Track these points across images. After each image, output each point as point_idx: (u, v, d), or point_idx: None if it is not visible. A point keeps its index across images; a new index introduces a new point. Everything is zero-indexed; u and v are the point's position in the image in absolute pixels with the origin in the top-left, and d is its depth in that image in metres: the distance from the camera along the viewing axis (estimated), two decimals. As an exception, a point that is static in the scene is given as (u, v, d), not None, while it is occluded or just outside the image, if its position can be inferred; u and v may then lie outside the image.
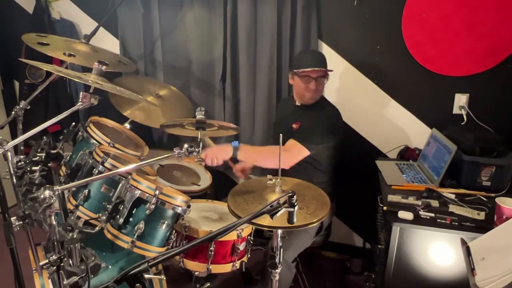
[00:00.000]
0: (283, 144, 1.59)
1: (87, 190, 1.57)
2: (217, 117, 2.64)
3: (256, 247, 2.28)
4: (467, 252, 1.17)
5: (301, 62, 2.04)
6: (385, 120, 2.40)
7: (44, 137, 1.81)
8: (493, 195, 1.75)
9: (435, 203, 1.69)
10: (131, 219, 1.48)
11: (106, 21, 2.40)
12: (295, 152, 1.90)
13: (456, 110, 2.24)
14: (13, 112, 1.89)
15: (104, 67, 1.48)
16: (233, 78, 2.57)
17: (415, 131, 2.35)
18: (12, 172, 1.56)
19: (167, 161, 2.29)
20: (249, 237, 1.72)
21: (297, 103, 2.14)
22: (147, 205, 1.47)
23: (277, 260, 1.44)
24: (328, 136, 1.99)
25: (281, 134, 1.45)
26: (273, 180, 1.52)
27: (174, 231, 1.60)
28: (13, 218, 1.35)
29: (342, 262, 2.66)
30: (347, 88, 2.42)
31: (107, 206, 1.53)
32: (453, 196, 1.76)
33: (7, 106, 3.17)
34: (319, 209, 1.39)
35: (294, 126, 2.09)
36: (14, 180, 1.59)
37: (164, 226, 1.51)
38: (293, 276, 1.87)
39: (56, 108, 2.94)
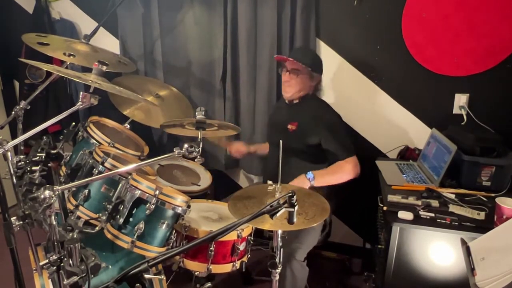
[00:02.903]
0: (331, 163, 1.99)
1: (87, 190, 1.57)
2: (217, 117, 2.64)
3: (256, 247, 2.28)
4: (467, 252, 1.17)
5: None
6: (385, 120, 2.40)
7: (44, 137, 1.81)
8: (493, 195, 1.75)
9: (435, 203, 1.68)
10: (131, 219, 1.48)
11: (106, 21, 2.40)
12: (353, 164, 1.97)
13: (456, 110, 2.24)
14: (13, 112, 1.89)
15: (104, 67, 1.48)
16: (233, 78, 2.57)
17: (415, 131, 2.35)
18: (12, 172, 1.56)
19: (167, 161, 2.29)
20: (249, 237, 1.72)
21: (287, 101, 2.15)
22: (147, 205, 1.47)
23: (277, 260, 1.44)
24: (346, 128, 2.09)
25: (281, 141, 1.46)
26: (273, 186, 1.53)
27: (174, 231, 1.60)
28: (13, 218, 1.35)
29: (342, 262, 2.66)
30: (347, 88, 2.42)
31: (107, 206, 1.53)
32: (453, 196, 1.76)
33: (7, 106, 3.17)
34: (318, 215, 1.41)
35: (289, 127, 2.09)
36: (14, 180, 1.59)
37: (164, 226, 1.51)
38: (307, 274, 1.86)
39: (56, 108, 2.94)
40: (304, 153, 2.07)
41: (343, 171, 1.96)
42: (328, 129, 2.00)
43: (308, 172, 1.93)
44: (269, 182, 1.59)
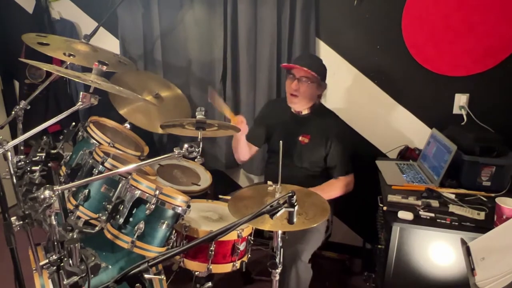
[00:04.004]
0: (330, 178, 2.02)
1: (87, 190, 1.56)
2: (217, 117, 2.64)
3: (256, 247, 2.28)
4: (467, 252, 1.17)
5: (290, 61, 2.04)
6: (385, 120, 2.40)
7: (44, 137, 1.81)
8: (493, 195, 1.75)
9: (435, 203, 1.68)
10: (131, 219, 1.48)
11: (106, 21, 2.40)
12: (345, 183, 2.04)
13: (456, 110, 2.24)
14: (13, 112, 1.89)
15: (104, 67, 1.48)
16: (233, 78, 2.57)
17: (415, 131, 2.35)
18: (12, 172, 1.56)
19: (167, 161, 2.28)
20: (249, 237, 1.72)
21: (293, 111, 2.10)
22: (147, 205, 1.47)
23: (277, 260, 1.44)
24: (352, 150, 2.08)
25: (281, 141, 1.46)
26: (273, 186, 1.53)
27: (174, 231, 1.60)
28: (13, 218, 1.35)
29: (342, 262, 2.66)
30: (347, 88, 2.42)
31: (107, 206, 1.53)
32: (453, 196, 1.76)
33: (7, 106, 3.16)
34: (318, 215, 1.41)
35: (301, 139, 2.06)
36: (14, 180, 1.59)
37: (164, 226, 1.51)
38: (311, 276, 1.86)
39: (56, 108, 2.94)
40: (312, 167, 2.07)
41: (334, 189, 2.02)
42: (337, 142, 2.01)
43: None
44: (269, 182, 1.60)
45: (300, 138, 2.07)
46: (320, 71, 2.00)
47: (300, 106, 2.05)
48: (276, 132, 2.18)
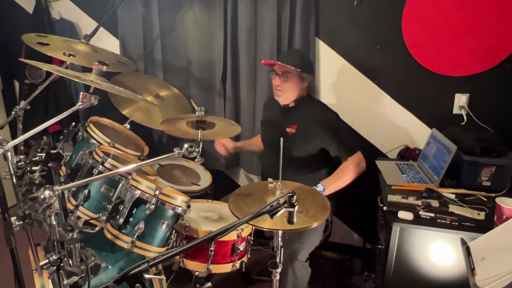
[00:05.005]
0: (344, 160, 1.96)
1: (87, 190, 1.57)
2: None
3: (256, 247, 2.28)
4: (467, 252, 1.17)
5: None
6: (385, 120, 2.40)
7: (44, 137, 1.81)
8: (493, 195, 1.75)
9: (435, 203, 1.68)
10: (131, 219, 1.48)
11: (106, 21, 2.40)
12: (356, 162, 1.97)
13: (456, 110, 2.24)
14: (13, 112, 1.89)
15: (104, 67, 1.49)
16: (234, 78, 2.57)
17: (415, 131, 2.35)
18: (12, 172, 1.56)
19: (167, 161, 2.29)
20: (249, 237, 1.72)
21: (280, 104, 2.11)
22: (147, 205, 1.47)
23: (277, 260, 1.44)
24: (345, 125, 2.04)
25: (281, 138, 1.46)
26: (274, 183, 1.53)
27: (174, 231, 1.61)
28: (13, 218, 1.35)
29: (342, 262, 2.66)
30: (347, 87, 2.42)
31: (107, 206, 1.53)
32: (453, 196, 1.76)
33: (7, 106, 3.17)
34: (319, 213, 1.40)
35: (288, 130, 2.07)
36: (14, 180, 1.59)
37: (164, 226, 1.51)
38: (309, 275, 1.85)
39: (56, 108, 2.94)
40: (305, 157, 2.06)
41: (349, 172, 1.95)
42: (328, 129, 2.00)
43: (318, 185, 1.91)
44: (270, 179, 1.59)
45: (287, 129, 2.07)
46: (301, 64, 1.99)
47: (285, 99, 2.07)
48: (265, 126, 2.23)
